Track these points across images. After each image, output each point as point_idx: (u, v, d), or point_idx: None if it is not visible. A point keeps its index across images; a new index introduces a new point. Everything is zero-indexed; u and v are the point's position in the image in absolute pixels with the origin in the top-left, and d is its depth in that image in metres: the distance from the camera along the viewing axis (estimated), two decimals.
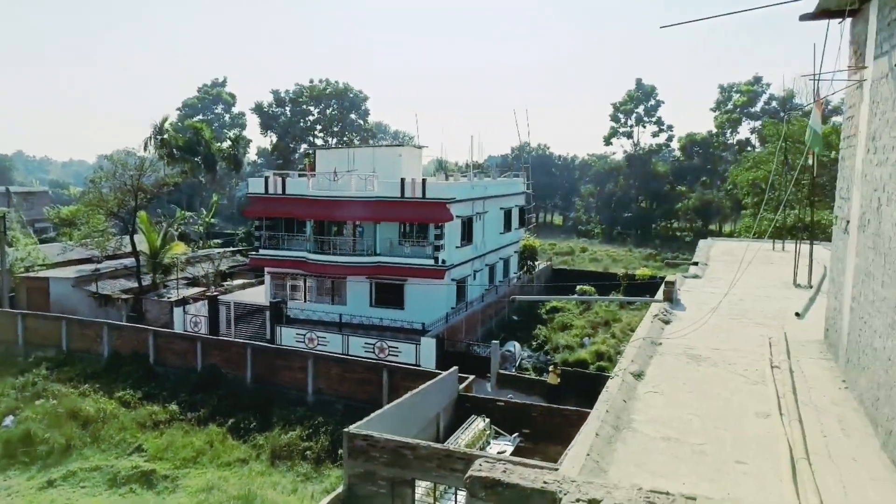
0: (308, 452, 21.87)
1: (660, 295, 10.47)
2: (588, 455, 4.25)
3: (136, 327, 29.89)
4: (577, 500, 2.26)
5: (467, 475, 2.39)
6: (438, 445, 15.39)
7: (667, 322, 8.61)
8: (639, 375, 6.27)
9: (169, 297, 33.61)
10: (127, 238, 36.21)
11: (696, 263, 14.19)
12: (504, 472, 2.41)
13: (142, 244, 36.35)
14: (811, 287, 11.82)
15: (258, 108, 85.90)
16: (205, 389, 26.29)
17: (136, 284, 35.22)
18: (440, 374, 22.38)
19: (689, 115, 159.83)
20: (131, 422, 24.01)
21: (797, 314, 9.44)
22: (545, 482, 2.35)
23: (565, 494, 2.28)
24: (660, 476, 4.22)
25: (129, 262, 36.34)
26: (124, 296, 34.10)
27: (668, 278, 10.61)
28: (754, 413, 5.45)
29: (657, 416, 5.39)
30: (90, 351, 29.73)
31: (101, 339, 29.50)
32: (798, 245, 13.41)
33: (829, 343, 7.05)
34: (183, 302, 32.65)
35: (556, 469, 13.45)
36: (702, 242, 19.19)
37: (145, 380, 27.42)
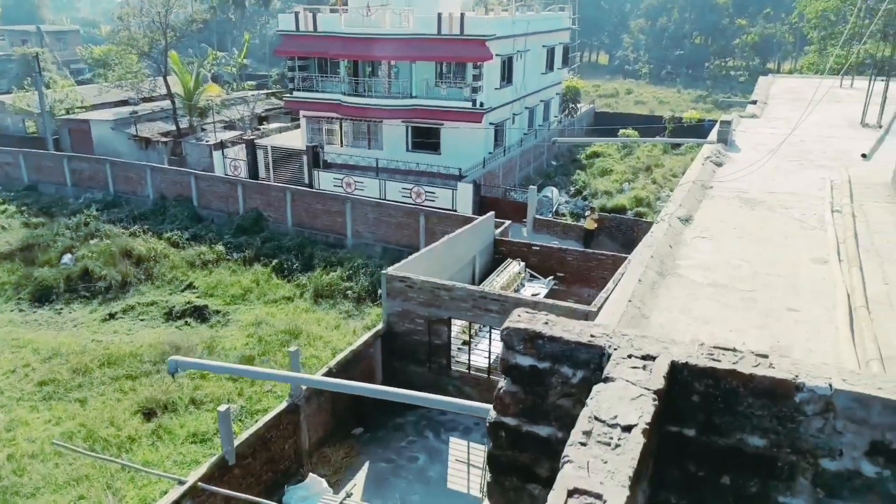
0: (349, 292, 22.59)
1: (713, 136, 9.74)
2: (630, 301, 4.02)
3: (177, 170, 30.18)
4: (630, 356, 2.01)
5: (504, 326, 2.15)
6: (473, 287, 15.66)
7: (719, 164, 8.02)
8: (686, 220, 5.87)
9: (207, 141, 33.57)
10: (161, 80, 35.56)
11: (754, 102, 13.13)
12: (546, 323, 2.18)
13: (176, 86, 35.73)
14: (880, 127, 10.87)
15: None
16: (248, 232, 26.94)
17: (173, 127, 35.14)
18: (476, 218, 22.45)
19: None
20: (181, 261, 24.92)
21: (863, 155, 8.70)
22: (592, 336, 2.11)
23: (615, 350, 2.04)
24: (705, 322, 4.00)
25: (166, 104, 35.98)
26: (163, 139, 34.20)
27: (724, 118, 9.80)
28: (810, 259, 5.09)
29: (705, 261, 5.08)
30: (136, 193, 30.42)
31: (145, 182, 30.01)
32: (872, 82, 12.16)
33: None
34: (221, 146, 32.60)
35: (593, 311, 13.44)
36: (762, 79, 17.71)
37: (191, 222, 28.11)
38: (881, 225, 5.72)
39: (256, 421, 13.90)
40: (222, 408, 11.65)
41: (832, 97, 13.74)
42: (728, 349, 2.11)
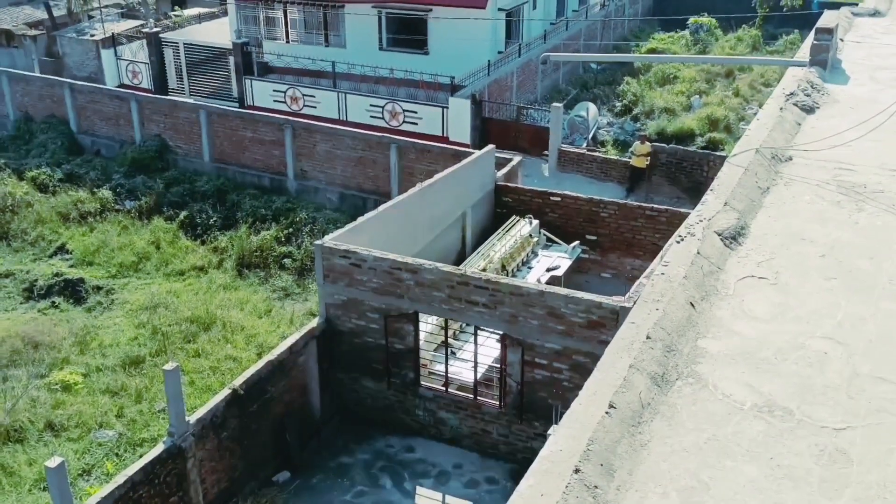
0: (287, 260, 21.79)
1: (804, 53, 8.11)
2: (578, 469, 2.64)
3: (47, 79, 29.10)
4: None
5: None
6: (448, 268, 14.50)
7: (809, 110, 6.47)
8: (734, 237, 4.46)
9: (92, 35, 32.09)
10: None
11: None
12: None
13: None
14: None
15: None
16: (147, 169, 26.10)
17: (45, 15, 33.63)
18: (471, 152, 21.25)
19: None
20: (50, 212, 24.12)
21: None
22: None
23: None
24: None
25: None
26: (31, 31, 32.74)
27: (824, 21, 8.06)
28: None
29: (755, 341, 3.69)
30: None
31: (3, 96, 28.88)
32: None
33: None
34: (112, 42, 31.24)
35: (626, 306, 12.13)
36: None
37: (66, 154, 27.29)
38: None
39: (140, 457, 13.09)
40: (52, 462, 10.58)
41: None
42: None
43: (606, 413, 3.00)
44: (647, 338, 3.48)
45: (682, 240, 4.35)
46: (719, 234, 4.48)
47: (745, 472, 3.02)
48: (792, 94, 6.67)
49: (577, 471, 2.71)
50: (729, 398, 3.41)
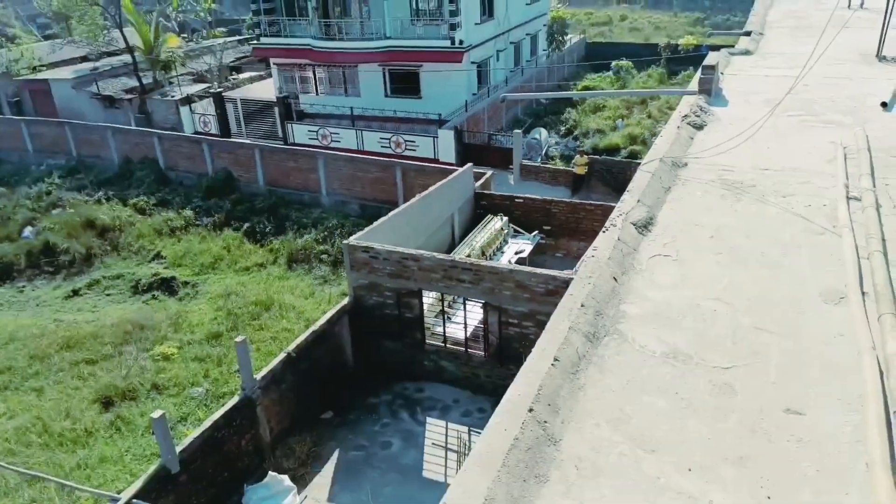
0: (324, 256, 21.43)
1: (694, 84, 7.93)
2: (531, 409, 2.54)
3: (140, 131, 28.34)
4: None
5: None
6: (442, 256, 14.27)
7: (699, 127, 6.32)
8: (645, 225, 4.32)
9: (173, 96, 31.47)
10: (116, 32, 32.97)
11: (747, 33, 11.13)
12: None
13: (135, 37, 33.27)
14: None
15: None
16: (218, 194, 25.56)
17: (137, 83, 32.92)
18: (455, 169, 20.91)
19: None
20: (148, 229, 23.60)
21: (883, 104, 6.92)
22: None
23: None
24: (651, 450, 2.49)
25: (128, 59, 33.62)
26: (128, 96, 32.06)
27: (708, 60, 7.90)
28: (819, 293, 3.55)
29: (662, 304, 3.58)
30: (100, 157, 28.68)
31: (108, 145, 28.24)
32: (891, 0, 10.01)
33: None
34: (188, 101, 30.60)
35: (573, 277, 12.01)
36: (759, 1, 15.48)
37: (157, 185, 26.62)
38: None
39: (222, 406, 12.88)
40: (156, 414, 10.40)
41: (839, 21, 11.68)
42: None
43: (552, 365, 2.90)
44: (582, 305, 3.38)
45: (607, 230, 4.26)
46: (634, 224, 4.36)
47: (658, 405, 2.91)
48: (686, 115, 6.52)
49: (530, 410, 2.61)
50: (644, 349, 3.30)
